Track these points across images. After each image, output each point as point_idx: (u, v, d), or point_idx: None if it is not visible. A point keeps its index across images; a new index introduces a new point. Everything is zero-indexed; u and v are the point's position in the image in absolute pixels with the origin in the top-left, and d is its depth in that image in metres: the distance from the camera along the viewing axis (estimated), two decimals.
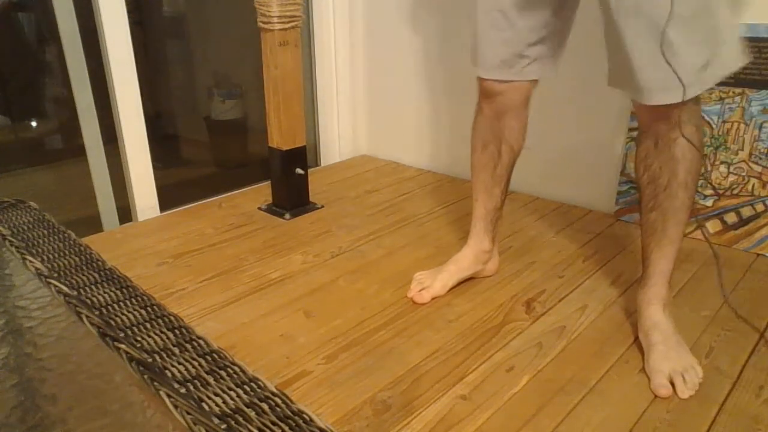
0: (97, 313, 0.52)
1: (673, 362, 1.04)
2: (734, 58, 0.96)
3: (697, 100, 1.00)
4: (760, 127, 1.42)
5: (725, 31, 0.94)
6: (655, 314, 1.10)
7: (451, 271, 1.33)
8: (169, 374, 0.44)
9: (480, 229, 1.33)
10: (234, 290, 1.36)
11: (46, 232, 0.69)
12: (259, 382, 0.44)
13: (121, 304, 0.54)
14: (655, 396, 1.01)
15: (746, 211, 1.49)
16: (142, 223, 1.76)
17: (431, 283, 1.31)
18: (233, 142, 2.43)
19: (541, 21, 1.10)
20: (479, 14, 1.14)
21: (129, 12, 1.61)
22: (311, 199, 1.88)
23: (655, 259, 1.10)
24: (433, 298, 1.30)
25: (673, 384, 1.02)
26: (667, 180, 1.04)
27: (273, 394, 0.43)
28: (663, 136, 1.03)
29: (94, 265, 0.61)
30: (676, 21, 0.90)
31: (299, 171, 1.80)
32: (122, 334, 0.49)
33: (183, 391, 0.43)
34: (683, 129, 1.00)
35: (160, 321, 0.52)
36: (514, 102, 1.19)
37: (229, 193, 1.97)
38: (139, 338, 0.49)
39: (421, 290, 1.30)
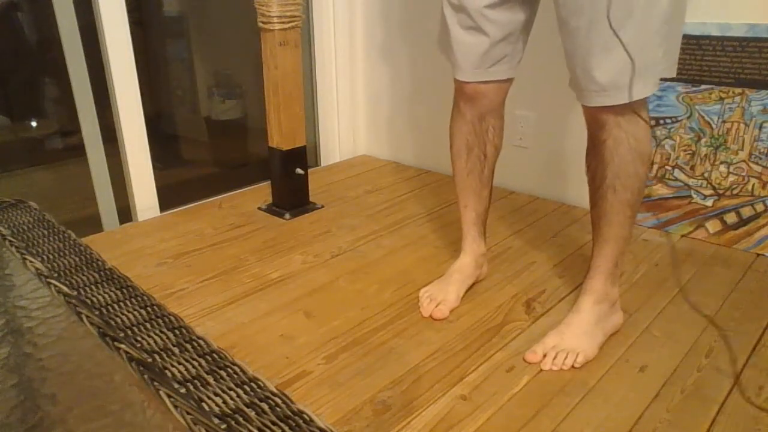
0: (97, 313, 0.52)
1: (560, 340, 1.11)
2: (654, 79, 0.96)
3: (630, 107, 0.98)
4: (760, 127, 1.42)
5: (655, 47, 0.94)
6: (582, 303, 1.14)
7: (460, 281, 1.30)
8: (169, 374, 0.44)
9: (475, 234, 1.32)
10: (234, 290, 1.36)
11: (46, 232, 0.69)
12: (259, 382, 0.44)
13: (121, 304, 0.54)
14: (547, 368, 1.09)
15: (746, 211, 1.49)
16: (142, 223, 1.76)
17: (445, 297, 1.27)
18: (233, 142, 2.43)
19: (506, 17, 1.08)
20: (446, 14, 1.12)
21: (129, 12, 1.61)
22: (311, 199, 1.88)
23: (594, 255, 1.13)
24: (451, 311, 1.26)
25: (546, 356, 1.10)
26: (600, 181, 1.06)
27: (273, 394, 0.43)
28: (595, 138, 1.04)
29: (94, 265, 0.61)
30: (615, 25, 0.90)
31: (299, 171, 1.80)
32: (122, 334, 0.49)
33: (183, 391, 0.43)
34: (613, 132, 1.00)
35: (160, 321, 0.52)
36: (496, 102, 1.19)
37: (229, 193, 1.97)
38: (139, 338, 0.49)
39: (437, 306, 1.26)
